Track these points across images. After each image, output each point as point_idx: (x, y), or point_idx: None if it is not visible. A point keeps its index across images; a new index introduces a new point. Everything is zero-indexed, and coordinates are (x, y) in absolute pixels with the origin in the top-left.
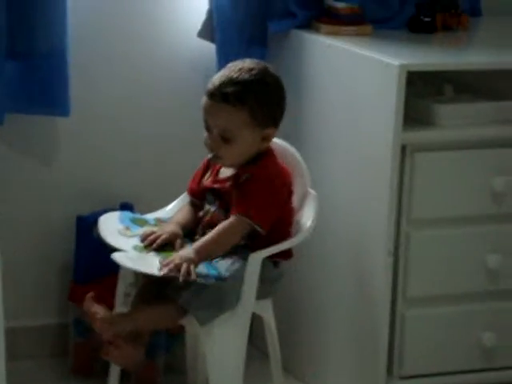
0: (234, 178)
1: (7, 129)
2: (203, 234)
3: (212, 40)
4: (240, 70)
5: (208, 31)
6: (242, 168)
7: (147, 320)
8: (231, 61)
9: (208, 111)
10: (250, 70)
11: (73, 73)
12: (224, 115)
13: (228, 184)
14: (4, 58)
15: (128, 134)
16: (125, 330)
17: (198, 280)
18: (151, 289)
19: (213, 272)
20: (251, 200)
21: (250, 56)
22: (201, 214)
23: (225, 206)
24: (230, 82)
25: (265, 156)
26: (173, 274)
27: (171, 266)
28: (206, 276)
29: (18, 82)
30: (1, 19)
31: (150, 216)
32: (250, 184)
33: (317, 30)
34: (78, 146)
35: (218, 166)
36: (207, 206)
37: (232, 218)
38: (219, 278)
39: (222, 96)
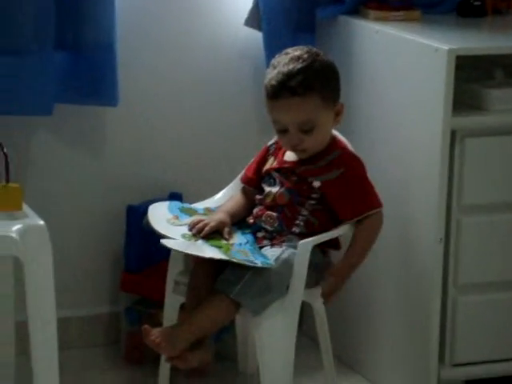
0: (309, 162)
1: (56, 119)
2: (260, 218)
3: (259, 28)
4: (290, 61)
5: (255, 19)
6: (317, 155)
7: (205, 324)
8: (279, 48)
9: (279, 111)
10: (299, 57)
11: (122, 64)
12: (299, 108)
13: (304, 168)
14: (53, 49)
15: (177, 124)
16: (188, 342)
17: (247, 263)
18: (202, 279)
19: (261, 259)
20: (365, 192)
21: (297, 43)
22: (258, 197)
23: (292, 186)
24: (289, 75)
25: (337, 142)
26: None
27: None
28: (254, 262)
29: (66, 72)
30: (50, 10)
31: (199, 205)
32: (351, 179)
33: (365, 16)
34: (127, 136)
35: (282, 151)
36: (267, 189)
37: (366, 222)
38: (267, 263)
39: (289, 91)
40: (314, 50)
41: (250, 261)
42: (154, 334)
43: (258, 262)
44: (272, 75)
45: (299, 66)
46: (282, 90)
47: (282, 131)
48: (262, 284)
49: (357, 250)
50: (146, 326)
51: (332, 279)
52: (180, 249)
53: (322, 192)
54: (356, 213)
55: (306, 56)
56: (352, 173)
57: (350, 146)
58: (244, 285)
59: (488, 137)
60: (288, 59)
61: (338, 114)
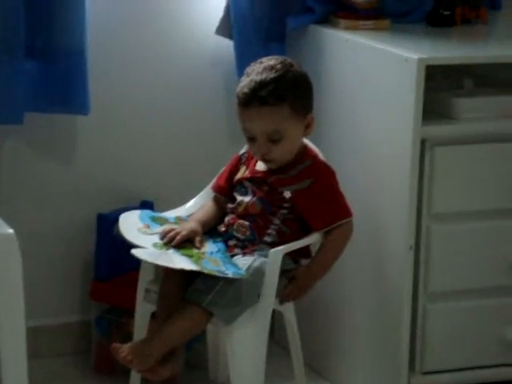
0: (281, 172)
1: (27, 128)
2: (232, 226)
3: (230, 37)
4: (264, 70)
5: (226, 28)
6: (288, 165)
7: (176, 336)
8: (249, 57)
9: (248, 120)
10: (273, 67)
11: (91, 72)
12: (268, 118)
13: (275, 177)
14: (23, 57)
15: (147, 132)
16: (159, 355)
17: (217, 274)
18: (173, 288)
19: (232, 269)
20: (334, 202)
21: (268, 52)
22: (230, 205)
23: (264, 195)
24: (261, 84)
25: (308, 152)
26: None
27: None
28: (224, 272)
29: (37, 80)
30: (20, 18)
31: (171, 214)
32: (320, 188)
33: (335, 25)
34: (98, 144)
35: (254, 160)
36: (239, 198)
37: (333, 234)
38: (238, 274)
39: (260, 100)
40: (289, 60)
41: (221, 271)
42: (125, 350)
43: (229, 273)
44: (244, 83)
45: (272, 75)
46: (252, 99)
47: (251, 139)
48: (234, 293)
49: (322, 260)
50: (114, 344)
51: (292, 283)
52: (150, 259)
53: (293, 202)
54: (326, 223)
55: (279, 66)
56: (322, 182)
57: (321, 156)
58: (216, 294)
59: (457, 145)
60: (262, 68)
61: (308, 126)
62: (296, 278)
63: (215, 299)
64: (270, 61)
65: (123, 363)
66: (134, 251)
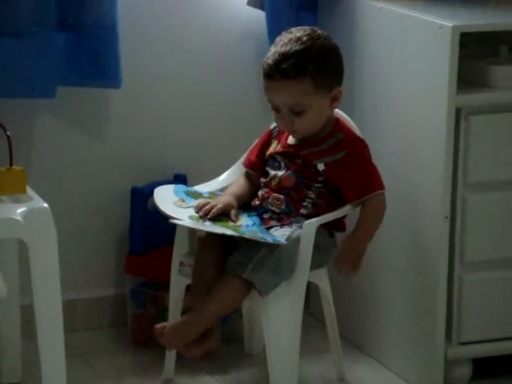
0: (313, 145)
1: (59, 102)
2: (267, 200)
3: (262, 8)
4: (289, 41)
5: None
6: (321, 138)
7: (217, 311)
8: (281, 28)
9: (271, 91)
10: (299, 39)
11: (123, 46)
12: (289, 91)
13: (308, 151)
14: (54, 31)
15: (180, 105)
16: (202, 331)
17: (258, 239)
18: (208, 262)
19: (271, 237)
20: (368, 175)
21: (300, 22)
22: (263, 180)
23: (297, 169)
24: (284, 57)
25: (340, 125)
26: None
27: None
28: (264, 238)
29: (68, 54)
30: None
31: (204, 189)
32: (353, 161)
33: None
34: (131, 118)
35: (285, 134)
36: (273, 172)
37: (371, 200)
38: (277, 241)
39: (281, 73)
40: (318, 32)
41: (261, 237)
42: (167, 333)
43: (269, 239)
44: (269, 54)
45: (296, 48)
46: (274, 71)
47: (276, 110)
48: (273, 263)
49: (365, 226)
50: (156, 326)
51: (341, 251)
52: (191, 225)
53: (327, 174)
54: (359, 195)
55: (305, 38)
56: (355, 154)
57: (355, 128)
58: (255, 264)
59: (493, 114)
60: (287, 39)
61: (335, 99)
62: (343, 246)
63: (255, 269)
64: (298, 32)
65: (168, 348)
66: (171, 220)
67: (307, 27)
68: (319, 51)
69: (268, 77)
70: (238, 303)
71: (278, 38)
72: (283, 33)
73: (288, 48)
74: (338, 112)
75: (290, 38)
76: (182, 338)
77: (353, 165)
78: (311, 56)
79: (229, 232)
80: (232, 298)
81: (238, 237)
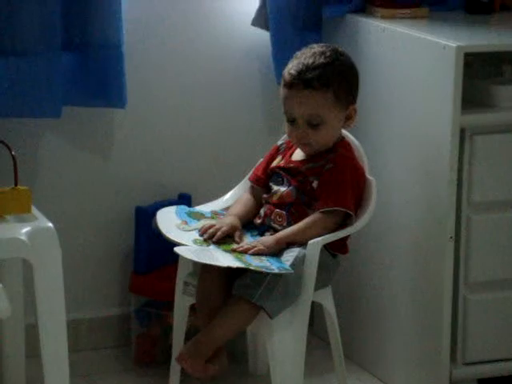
0: (314, 161)
1: (65, 121)
2: (269, 217)
3: (266, 28)
4: (313, 55)
5: (262, 19)
6: (322, 153)
7: (226, 333)
8: (286, 48)
9: (291, 101)
10: (323, 53)
11: (128, 65)
12: (310, 101)
13: (307, 166)
14: (60, 51)
15: (185, 125)
16: (210, 353)
17: (264, 270)
18: (212, 282)
19: (276, 264)
20: (337, 189)
21: (304, 42)
22: (265, 196)
23: (298, 185)
24: (308, 68)
25: (343, 143)
26: (242, 265)
27: (245, 247)
28: (270, 268)
29: (74, 74)
30: (56, 11)
31: (206, 209)
32: (334, 174)
33: (372, 14)
34: (136, 137)
35: (290, 151)
36: (275, 187)
37: (316, 214)
38: (284, 269)
39: (305, 83)
40: (340, 49)
41: (267, 267)
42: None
43: (275, 268)
44: (292, 65)
45: (320, 60)
46: (298, 81)
47: (291, 122)
48: (282, 287)
49: (295, 230)
50: (178, 355)
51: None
52: (196, 258)
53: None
54: (324, 205)
55: (329, 53)
56: (338, 170)
57: (359, 150)
58: (265, 289)
59: (497, 134)
60: (311, 53)
61: (349, 117)
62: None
63: (265, 293)
64: (320, 47)
65: (192, 374)
66: (177, 249)
67: (329, 44)
68: (342, 67)
69: (290, 85)
70: (245, 326)
71: (298, 52)
72: (304, 48)
73: (312, 60)
74: (346, 134)
75: (314, 51)
76: (195, 357)
77: (331, 177)
78: (335, 70)
79: (236, 264)
80: (240, 322)
81: (241, 269)
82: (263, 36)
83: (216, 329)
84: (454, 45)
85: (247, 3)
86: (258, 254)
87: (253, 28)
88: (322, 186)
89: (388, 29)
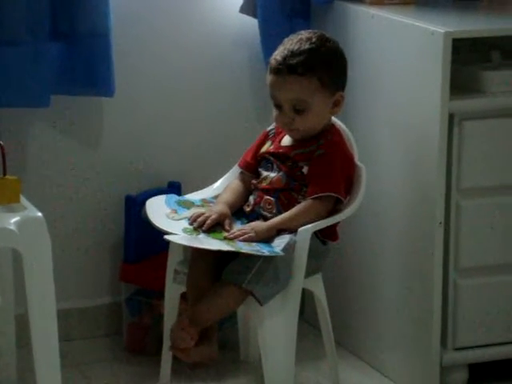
0: (303, 146)
1: (53, 110)
2: (258, 204)
3: (254, 15)
4: (299, 41)
5: (250, 6)
6: (311, 139)
7: (212, 315)
8: (274, 35)
9: (277, 87)
10: (309, 39)
11: (116, 53)
12: (294, 86)
13: (296, 152)
14: (47, 40)
15: (173, 113)
16: (194, 336)
17: (254, 253)
18: (202, 269)
19: (267, 248)
20: (328, 175)
21: (293, 29)
22: (254, 181)
23: (288, 170)
24: (293, 53)
25: (333, 130)
26: (232, 248)
27: (236, 233)
28: (261, 251)
29: (61, 63)
30: (44, 1)
31: (196, 197)
32: (324, 160)
33: (360, 1)
34: (124, 126)
35: (280, 137)
36: (265, 173)
37: (308, 201)
38: (274, 252)
39: (289, 68)
40: (327, 36)
41: (257, 250)
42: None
43: (265, 251)
44: (278, 51)
45: (306, 46)
46: (282, 66)
47: (278, 107)
48: (272, 272)
49: (288, 217)
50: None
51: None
52: (186, 243)
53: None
54: (315, 191)
55: (315, 39)
56: (328, 156)
57: (348, 136)
58: (255, 274)
59: (486, 119)
60: (298, 39)
61: (336, 104)
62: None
63: (254, 279)
64: (307, 33)
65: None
66: (167, 237)
67: (317, 30)
68: (328, 53)
69: (275, 71)
70: (231, 310)
71: (286, 39)
72: (292, 35)
73: (298, 46)
74: (336, 121)
75: (300, 37)
76: (181, 337)
77: (321, 164)
78: (320, 56)
79: (226, 248)
80: (227, 305)
81: (232, 252)
82: (251, 23)
83: (202, 310)
84: (442, 30)
85: None
86: (249, 240)
87: (241, 15)
88: (312, 172)
89: (376, 15)
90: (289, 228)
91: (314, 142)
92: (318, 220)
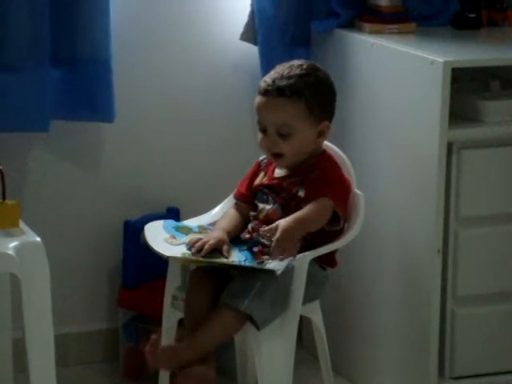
0: (296, 175)
1: (53, 135)
2: (258, 230)
3: (255, 42)
4: (290, 66)
5: (250, 33)
6: (304, 168)
7: (211, 341)
8: (274, 62)
9: (263, 109)
10: (300, 65)
11: (117, 79)
12: (281, 109)
13: (289, 181)
14: (48, 65)
15: (173, 139)
16: (193, 359)
17: (257, 267)
18: (200, 295)
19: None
20: (332, 188)
21: (293, 56)
22: (252, 213)
23: (283, 202)
24: (283, 77)
25: (325, 156)
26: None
27: (276, 253)
28: (262, 265)
29: (62, 88)
30: (44, 26)
31: (193, 223)
32: (323, 179)
33: (360, 29)
34: (124, 152)
35: (272, 166)
36: (261, 205)
37: (321, 199)
38: (275, 268)
39: (278, 90)
40: (318, 66)
41: (259, 265)
42: (159, 354)
43: (268, 266)
44: (270, 73)
45: (296, 71)
46: (271, 87)
47: (263, 131)
48: (270, 296)
49: (302, 215)
50: (147, 347)
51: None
52: (191, 256)
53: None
54: (317, 193)
55: (305, 67)
56: (324, 176)
57: (345, 163)
58: (253, 298)
59: (485, 148)
60: (289, 65)
61: (321, 134)
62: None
63: (254, 302)
64: (299, 61)
65: (154, 363)
66: (170, 255)
67: (308, 61)
68: (317, 81)
69: (263, 92)
70: (229, 336)
71: (279, 65)
72: (285, 62)
73: (288, 70)
74: (328, 146)
75: (291, 64)
76: (171, 361)
77: (319, 182)
78: (309, 82)
79: (228, 262)
80: (226, 331)
81: (235, 266)
82: (252, 50)
83: (200, 336)
84: (442, 60)
85: (236, 18)
86: (288, 255)
87: (241, 42)
88: (310, 186)
89: (376, 44)
90: (310, 227)
91: (308, 170)
92: (323, 223)
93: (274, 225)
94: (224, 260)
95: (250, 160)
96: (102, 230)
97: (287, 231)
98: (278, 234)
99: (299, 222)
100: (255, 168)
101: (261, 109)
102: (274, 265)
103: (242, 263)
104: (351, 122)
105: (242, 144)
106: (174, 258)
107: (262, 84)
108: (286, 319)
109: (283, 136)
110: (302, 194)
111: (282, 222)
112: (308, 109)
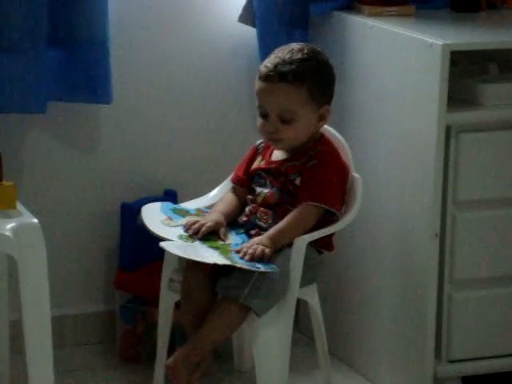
0: (294, 159)
1: (50, 117)
2: (255, 214)
3: (253, 24)
4: (291, 51)
5: (249, 15)
6: (301, 152)
7: (217, 336)
8: (273, 45)
9: (265, 94)
10: (301, 49)
11: (114, 61)
12: (283, 95)
13: (287, 165)
14: (46, 46)
15: (170, 121)
16: (201, 358)
17: (250, 269)
18: (197, 280)
19: (262, 263)
20: (323, 186)
21: (291, 39)
22: (250, 197)
23: (280, 185)
24: (284, 62)
25: (324, 141)
26: (228, 262)
27: (250, 251)
28: (256, 266)
29: (60, 70)
30: (43, 7)
31: (191, 206)
32: (318, 170)
33: (359, 12)
34: (121, 134)
35: (270, 150)
36: (258, 189)
37: (303, 206)
38: (269, 268)
39: (280, 76)
40: (318, 49)
41: (252, 265)
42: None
43: (261, 267)
44: (269, 59)
45: (297, 56)
46: (273, 73)
47: (263, 116)
48: (268, 285)
49: (280, 226)
50: (168, 364)
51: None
52: (181, 254)
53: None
54: (308, 199)
55: (306, 51)
56: (321, 166)
57: (343, 146)
58: (251, 288)
59: (483, 132)
60: (289, 49)
61: (321, 118)
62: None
63: (252, 293)
64: (299, 45)
65: (179, 381)
66: (162, 244)
67: (308, 43)
68: (318, 65)
69: (265, 78)
70: (236, 327)
71: (278, 49)
72: (283, 45)
73: (289, 55)
74: (327, 129)
75: (292, 48)
76: (188, 369)
77: (314, 174)
78: (310, 67)
79: (220, 261)
80: (229, 326)
81: (229, 266)
82: (250, 33)
83: (205, 336)
84: (441, 43)
85: (234, 0)
86: (262, 256)
87: (239, 24)
88: (305, 181)
89: (375, 26)
90: (285, 238)
91: (305, 154)
92: (308, 228)
93: (251, 242)
94: (216, 258)
95: (248, 142)
96: (100, 212)
97: (267, 247)
98: (249, 251)
99: (275, 237)
100: (252, 152)
101: (262, 94)
102: (265, 265)
103: (238, 262)
104: (349, 105)
105: (240, 127)
106: (167, 249)
107: (263, 69)
108: (283, 303)
109: (285, 121)
110: (298, 182)
111: (256, 240)
112: (310, 94)
